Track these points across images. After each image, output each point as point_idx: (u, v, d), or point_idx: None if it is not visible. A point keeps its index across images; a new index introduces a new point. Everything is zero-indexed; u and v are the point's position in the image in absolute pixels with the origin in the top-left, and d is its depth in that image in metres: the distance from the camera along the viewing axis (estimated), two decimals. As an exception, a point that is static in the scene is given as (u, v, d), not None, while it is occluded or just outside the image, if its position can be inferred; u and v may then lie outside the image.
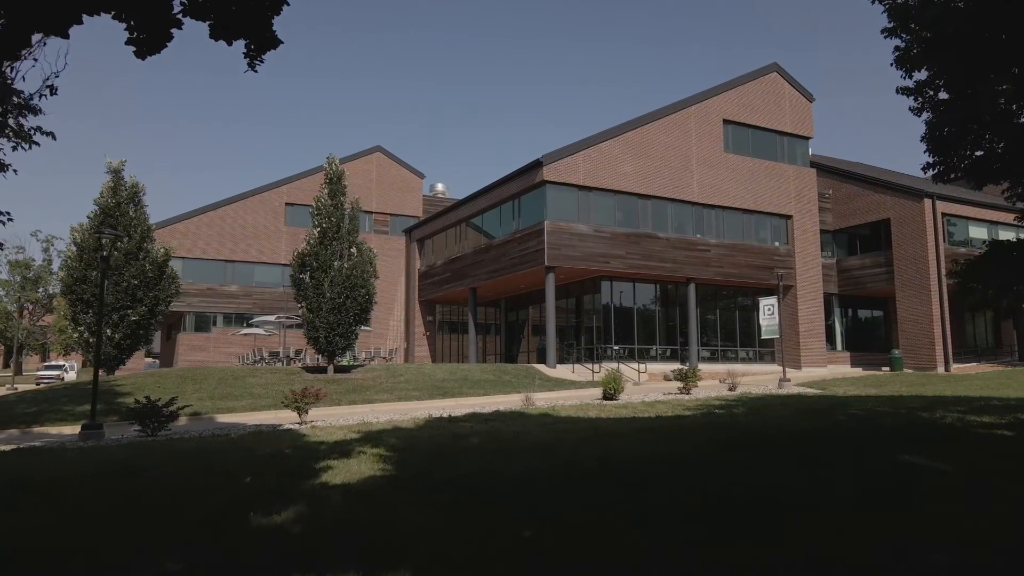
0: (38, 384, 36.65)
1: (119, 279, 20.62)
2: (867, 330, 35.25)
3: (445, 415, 14.58)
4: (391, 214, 43.40)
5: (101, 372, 25.96)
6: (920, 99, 9.57)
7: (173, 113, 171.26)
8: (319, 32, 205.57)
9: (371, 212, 42.75)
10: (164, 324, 46.67)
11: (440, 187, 47.33)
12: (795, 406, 13.16)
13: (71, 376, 48.06)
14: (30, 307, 70.89)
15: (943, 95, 9.76)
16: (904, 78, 9.52)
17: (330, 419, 14.78)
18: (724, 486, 5.72)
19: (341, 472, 6.91)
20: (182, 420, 15.69)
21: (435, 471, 6.88)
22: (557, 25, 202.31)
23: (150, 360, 65.24)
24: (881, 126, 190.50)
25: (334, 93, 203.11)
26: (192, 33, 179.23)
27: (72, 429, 14.54)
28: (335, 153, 23.46)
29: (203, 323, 39.84)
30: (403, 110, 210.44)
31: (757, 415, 11.58)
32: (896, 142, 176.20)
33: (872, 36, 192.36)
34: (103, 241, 13.53)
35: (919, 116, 9.76)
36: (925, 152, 9.63)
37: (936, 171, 9.65)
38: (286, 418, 14.93)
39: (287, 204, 40.70)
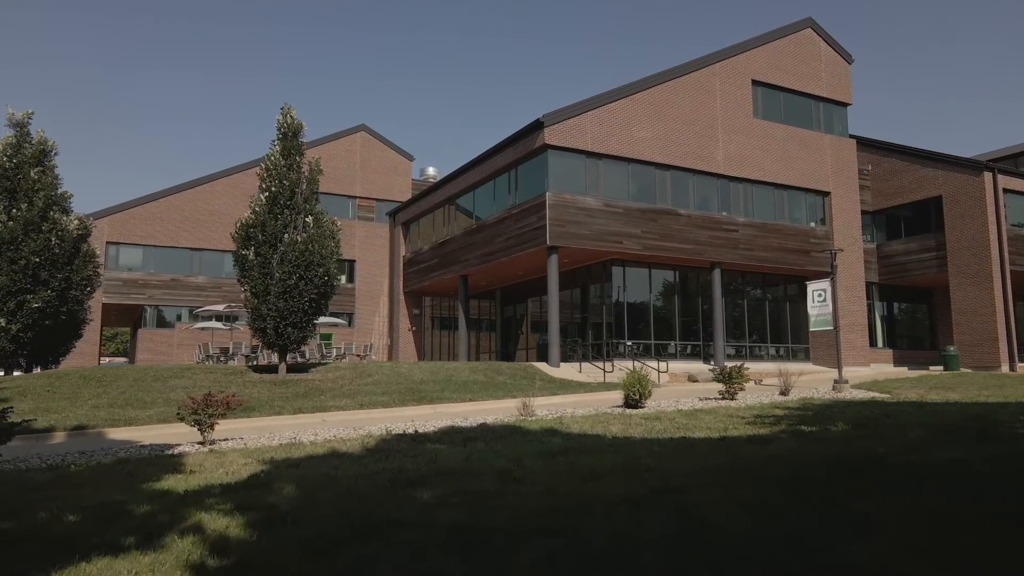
0: None
1: (15, 256, 16.47)
2: (910, 324, 31.16)
3: (411, 431, 10.62)
4: (377, 199, 39.22)
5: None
6: None
7: (158, 107, 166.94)
8: (313, 21, 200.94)
9: (355, 197, 38.64)
10: (130, 318, 42.68)
11: (431, 171, 43.30)
12: (910, 419, 9.10)
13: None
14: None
15: None
16: None
17: (250, 436, 10.73)
18: None
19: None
20: (58, 437, 11.64)
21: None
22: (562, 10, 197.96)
23: (122, 359, 61.04)
24: (910, 121, 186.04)
25: (327, 83, 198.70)
26: (179, 25, 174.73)
27: None
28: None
29: (168, 318, 35.72)
30: (395, 95, 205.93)
31: (877, 436, 7.52)
32: (931, 135, 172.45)
33: (874, 36, 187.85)
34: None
35: None
36: None
37: None
38: (195, 436, 10.84)
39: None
